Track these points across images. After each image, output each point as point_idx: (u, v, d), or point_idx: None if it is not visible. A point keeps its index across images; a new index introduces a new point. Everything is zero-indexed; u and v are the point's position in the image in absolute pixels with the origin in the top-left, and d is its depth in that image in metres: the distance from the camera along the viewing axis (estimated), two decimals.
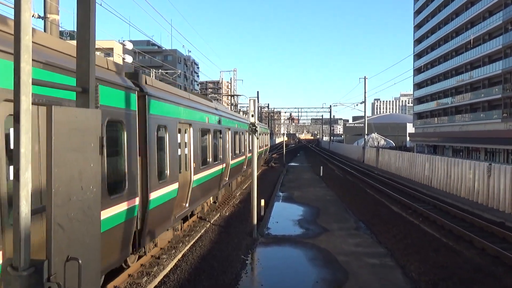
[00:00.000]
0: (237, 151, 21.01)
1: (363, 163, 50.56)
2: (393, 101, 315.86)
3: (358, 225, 16.07)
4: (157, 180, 8.88)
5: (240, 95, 63.42)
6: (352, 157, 60.74)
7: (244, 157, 23.51)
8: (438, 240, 13.54)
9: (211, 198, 16.36)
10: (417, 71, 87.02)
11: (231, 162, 19.17)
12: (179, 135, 10.81)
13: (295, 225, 16.09)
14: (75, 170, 3.43)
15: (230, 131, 18.90)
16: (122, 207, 7.27)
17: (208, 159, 14.20)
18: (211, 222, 15.64)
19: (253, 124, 14.00)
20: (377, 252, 12.26)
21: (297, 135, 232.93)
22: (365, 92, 55.48)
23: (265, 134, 41.80)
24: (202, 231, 14.23)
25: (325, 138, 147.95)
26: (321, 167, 35.64)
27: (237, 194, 22.83)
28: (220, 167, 16.11)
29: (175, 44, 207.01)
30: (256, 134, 14.24)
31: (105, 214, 6.60)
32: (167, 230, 10.80)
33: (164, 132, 9.58)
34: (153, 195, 8.63)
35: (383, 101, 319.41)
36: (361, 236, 14.29)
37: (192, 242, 12.78)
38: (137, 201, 7.85)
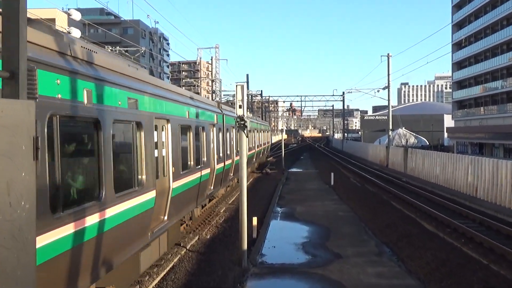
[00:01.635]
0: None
1: (386, 167, 50.74)
2: (425, 86, 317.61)
3: (381, 249, 16.12)
4: (227, 155, 23.35)
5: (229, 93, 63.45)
6: (373, 160, 60.96)
7: (253, 151, 36.98)
8: (486, 268, 13.62)
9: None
10: (457, 46, 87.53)
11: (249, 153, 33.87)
12: (232, 133, 25.37)
13: (298, 251, 16.11)
14: (1, 180, 3.40)
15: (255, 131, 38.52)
16: (221, 166, 21.49)
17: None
18: (187, 247, 15.63)
19: (241, 118, 14.00)
20: (406, 285, 12.31)
21: (299, 131, 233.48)
22: (388, 75, 55.70)
23: (266, 132, 53.41)
24: (176, 259, 14.21)
25: (337, 136, 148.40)
26: (332, 173, 35.72)
27: (221, 211, 22.84)
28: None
29: (137, 13, 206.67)
30: (245, 132, 14.25)
31: (220, 165, 21.33)
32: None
33: (228, 132, 24.05)
34: (224, 163, 22.34)
35: (413, 86, 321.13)
36: (385, 263, 14.34)
37: (162, 275, 12.76)
38: (220, 165, 21.30)
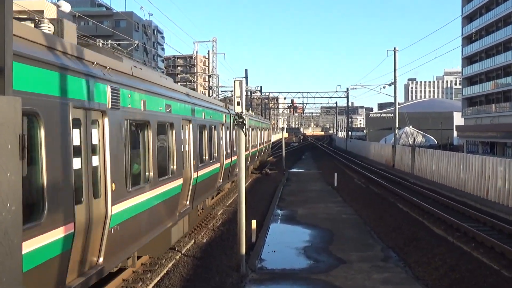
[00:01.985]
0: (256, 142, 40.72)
1: (393, 167, 50.75)
2: (434, 82, 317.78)
3: (387, 254, 16.13)
4: (234, 151, 25.40)
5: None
6: (378, 159, 60.96)
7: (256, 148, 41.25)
8: (497, 274, 13.61)
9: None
10: (467, 39, 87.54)
11: (252, 150, 37.97)
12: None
13: (300, 255, 16.12)
14: None
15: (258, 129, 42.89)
16: (229, 161, 24.15)
17: (249, 144, 33.59)
18: (182, 252, 15.62)
19: (239, 116, 13.99)
20: None
21: (301, 129, 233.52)
22: (395, 70, 55.75)
23: (268, 130, 57.56)
24: (170, 264, 14.20)
25: (341, 134, 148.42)
26: (335, 174, 35.74)
27: (219, 213, 22.84)
28: (247, 152, 32.75)
29: (130, 5, 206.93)
30: (244, 130, 14.23)
31: (228, 161, 24.23)
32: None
33: (234, 130, 25.02)
34: (231, 159, 24.78)
35: (420, 82, 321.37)
36: (391, 269, 14.35)
37: (155, 281, 12.75)
38: (228, 161, 24.05)
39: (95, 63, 9.28)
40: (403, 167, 48.00)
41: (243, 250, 14.07)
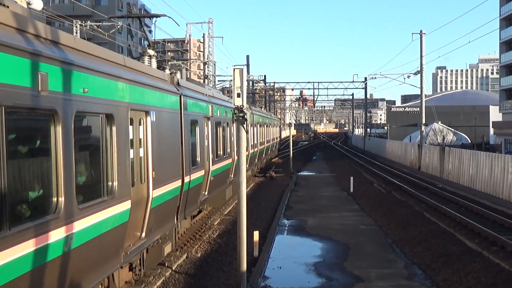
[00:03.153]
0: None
1: (418, 170, 50.70)
2: (467, 71, 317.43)
3: (411, 271, 16.14)
4: (254, 144, 42.66)
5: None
6: (401, 161, 60.92)
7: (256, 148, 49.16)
8: None
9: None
10: (506, 21, 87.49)
11: (258, 148, 46.10)
12: (257, 128, 44.48)
13: (309, 272, 16.16)
14: None
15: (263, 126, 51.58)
16: (251, 150, 38.45)
17: (261, 140, 46.78)
18: (173, 268, 15.64)
19: (239, 110, 13.95)
20: None
21: (312, 126, 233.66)
22: (421, 57, 55.66)
23: (277, 126, 66.75)
24: (159, 283, 14.21)
25: (358, 131, 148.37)
26: (351, 178, 35.74)
27: (215, 223, 22.87)
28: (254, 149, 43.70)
29: None
30: (244, 125, 14.20)
31: (251, 150, 40.66)
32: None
33: (253, 126, 42.17)
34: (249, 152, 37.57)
35: (451, 71, 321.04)
36: None
37: None
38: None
39: (205, 94, 21.15)
40: (430, 170, 47.94)
41: (244, 267, 14.06)
